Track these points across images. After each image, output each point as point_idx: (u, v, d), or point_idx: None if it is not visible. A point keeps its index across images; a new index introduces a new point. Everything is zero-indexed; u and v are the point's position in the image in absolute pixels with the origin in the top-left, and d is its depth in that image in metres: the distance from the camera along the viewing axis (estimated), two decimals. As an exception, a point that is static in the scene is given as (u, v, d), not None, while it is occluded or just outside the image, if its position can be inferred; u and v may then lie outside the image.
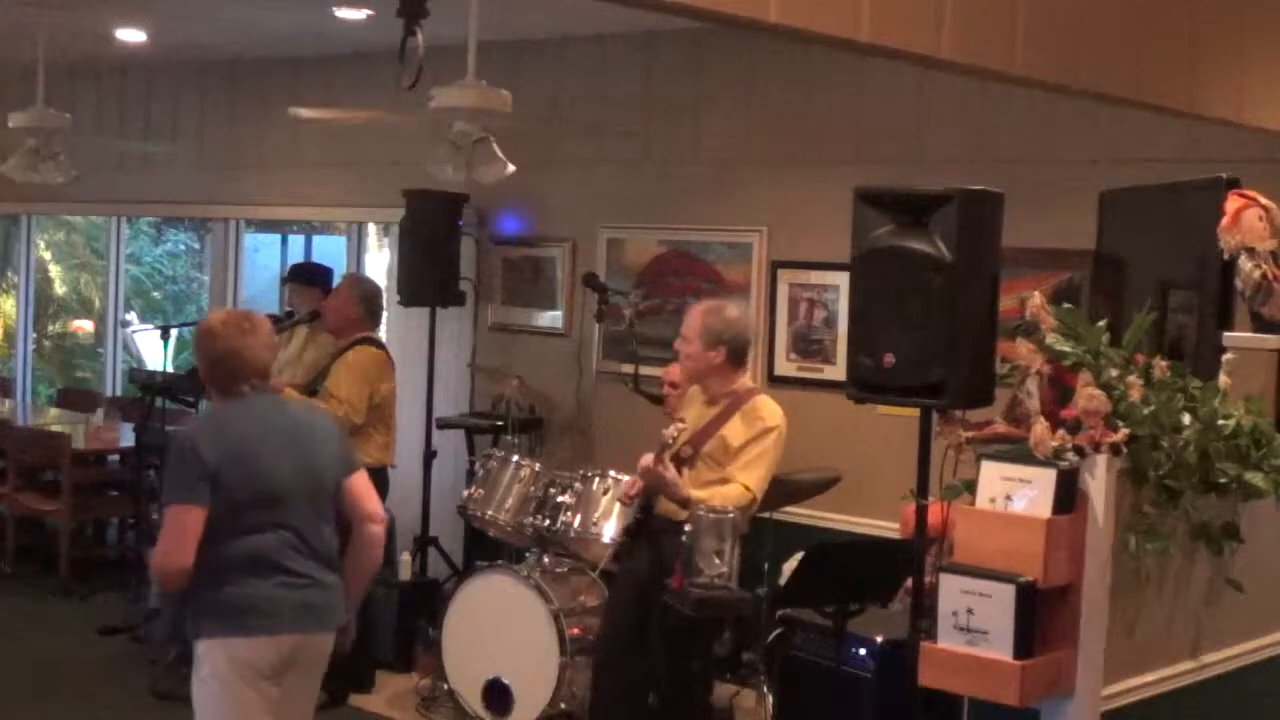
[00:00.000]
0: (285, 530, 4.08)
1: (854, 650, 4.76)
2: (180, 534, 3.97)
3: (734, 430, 5.18)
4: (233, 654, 4.01)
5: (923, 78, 6.17)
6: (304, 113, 7.21)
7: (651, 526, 5.32)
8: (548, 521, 6.08)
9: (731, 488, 5.07)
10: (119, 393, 10.41)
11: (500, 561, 6.35)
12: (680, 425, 5.18)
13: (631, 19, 6.63)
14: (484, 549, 7.02)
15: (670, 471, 5.08)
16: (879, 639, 4.77)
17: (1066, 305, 3.56)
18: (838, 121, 6.84)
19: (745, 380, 5.35)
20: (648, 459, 5.11)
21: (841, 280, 6.27)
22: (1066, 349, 3.39)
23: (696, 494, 5.06)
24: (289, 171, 9.12)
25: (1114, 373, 3.38)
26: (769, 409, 5.25)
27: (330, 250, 10.86)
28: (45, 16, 7.03)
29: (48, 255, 12.84)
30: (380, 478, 6.62)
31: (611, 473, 5.97)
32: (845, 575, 4.76)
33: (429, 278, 7.41)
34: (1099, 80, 4.35)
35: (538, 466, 6.36)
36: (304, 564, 4.10)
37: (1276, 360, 4.13)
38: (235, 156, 9.41)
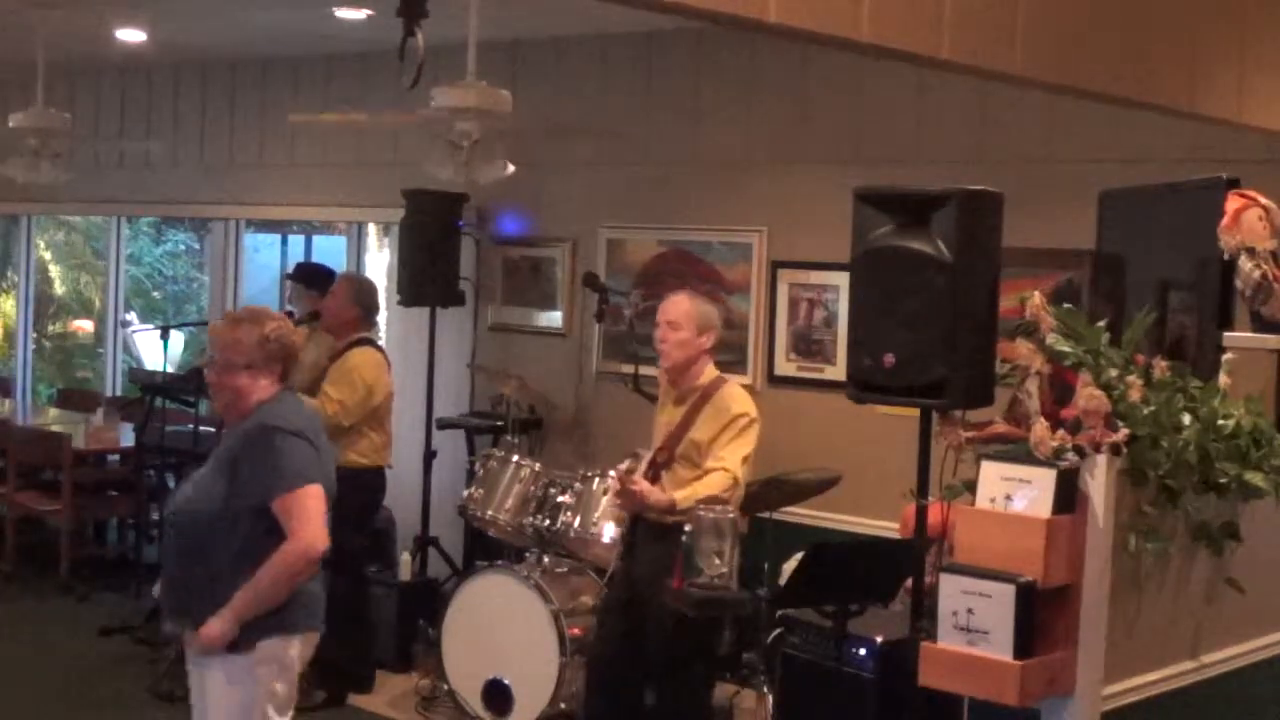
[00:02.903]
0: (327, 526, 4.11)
1: (854, 650, 4.75)
2: (320, 515, 3.94)
3: (705, 426, 5.24)
4: (303, 650, 4.02)
5: (923, 78, 6.17)
6: (297, 119, 7.20)
7: (640, 531, 5.37)
8: (548, 521, 6.09)
9: (712, 476, 5.13)
10: (119, 393, 10.41)
11: (500, 561, 6.35)
12: (631, 463, 5.31)
13: (631, 19, 6.63)
14: (484, 549, 7.02)
15: (639, 487, 5.15)
16: (879, 639, 4.76)
17: (1066, 305, 3.56)
18: (838, 121, 6.84)
19: (712, 371, 5.39)
20: (616, 486, 5.27)
21: (841, 280, 6.27)
22: (1066, 349, 3.39)
23: (679, 494, 5.12)
24: (289, 171, 9.12)
25: (1114, 373, 3.38)
26: (737, 397, 5.30)
27: (330, 250, 10.85)
28: (45, 16, 7.04)
29: (48, 255, 12.84)
30: (377, 478, 6.63)
31: (611, 473, 5.97)
32: (845, 575, 4.75)
33: (429, 278, 7.41)
34: (1099, 80, 4.35)
35: (538, 466, 6.36)
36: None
37: (1276, 360, 4.13)
38: (235, 156, 9.41)
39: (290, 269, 8.27)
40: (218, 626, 3.91)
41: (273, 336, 4.06)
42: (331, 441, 6.18)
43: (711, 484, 5.09)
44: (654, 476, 5.31)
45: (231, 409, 4.14)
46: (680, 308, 5.33)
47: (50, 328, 12.94)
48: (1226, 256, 3.85)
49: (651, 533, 5.28)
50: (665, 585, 4.82)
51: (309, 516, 3.92)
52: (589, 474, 6.13)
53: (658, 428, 5.45)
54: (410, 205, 7.42)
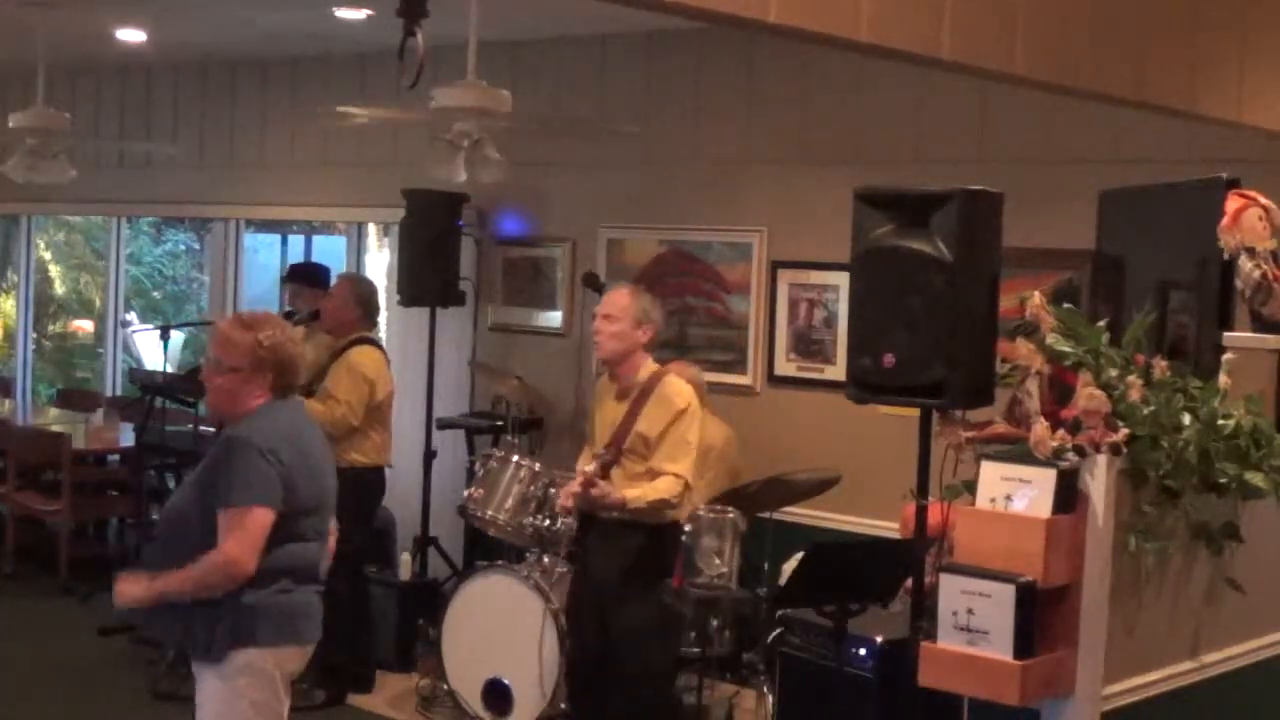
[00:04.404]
0: (321, 538, 4.05)
1: (854, 650, 4.76)
2: (256, 537, 3.82)
3: (649, 420, 5.32)
4: (281, 662, 3.94)
5: (923, 78, 6.17)
6: (355, 111, 7.12)
7: (593, 532, 5.42)
8: (548, 521, 6.08)
9: (662, 480, 5.21)
10: (119, 393, 10.41)
11: (500, 561, 6.34)
12: (587, 472, 5.37)
13: (631, 19, 6.63)
14: (484, 549, 7.02)
15: (600, 488, 5.26)
16: (879, 639, 4.77)
17: (1066, 305, 3.56)
18: (838, 121, 6.84)
19: (651, 365, 5.44)
20: (570, 497, 5.37)
21: (841, 280, 6.27)
22: (1066, 349, 3.39)
23: (630, 494, 5.21)
24: (289, 171, 9.12)
25: (1114, 373, 3.38)
26: (678, 390, 5.37)
27: (330, 250, 10.86)
28: (45, 16, 7.04)
29: (48, 255, 12.84)
30: (377, 477, 6.64)
31: (582, 469, 5.98)
32: (845, 575, 4.75)
33: (429, 278, 7.41)
34: (1099, 80, 4.35)
35: (538, 466, 6.35)
36: (320, 573, 4.09)
37: (1276, 360, 4.13)
38: (235, 156, 9.41)
39: (285, 273, 8.28)
40: (132, 585, 3.89)
41: (266, 344, 3.96)
42: (339, 442, 6.27)
43: (661, 488, 5.23)
44: (603, 475, 5.39)
45: (217, 410, 4.09)
46: (618, 302, 5.42)
47: (50, 328, 12.94)
48: (1226, 256, 3.84)
49: (604, 533, 5.36)
50: (623, 586, 4.89)
51: (243, 535, 3.82)
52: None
53: (600, 425, 5.52)
54: (410, 205, 7.42)
